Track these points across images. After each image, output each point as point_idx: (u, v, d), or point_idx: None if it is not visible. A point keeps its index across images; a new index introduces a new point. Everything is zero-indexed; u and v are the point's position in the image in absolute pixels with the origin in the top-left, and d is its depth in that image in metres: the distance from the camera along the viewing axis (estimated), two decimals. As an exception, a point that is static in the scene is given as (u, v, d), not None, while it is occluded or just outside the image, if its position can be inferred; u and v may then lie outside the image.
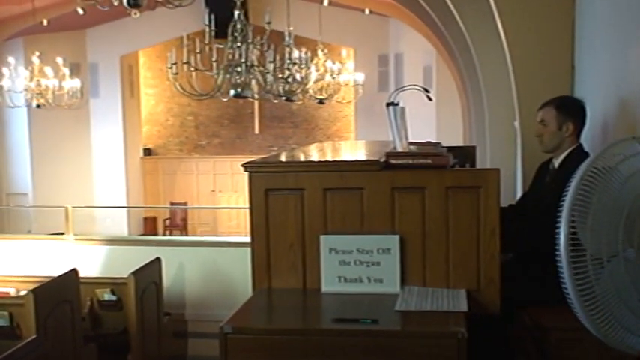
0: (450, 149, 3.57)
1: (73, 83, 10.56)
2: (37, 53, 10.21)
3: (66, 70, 10.45)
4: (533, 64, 4.42)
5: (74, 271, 4.60)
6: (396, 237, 2.90)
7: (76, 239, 6.31)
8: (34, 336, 3.41)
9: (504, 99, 5.23)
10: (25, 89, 10.08)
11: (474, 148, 4.63)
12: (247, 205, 3.07)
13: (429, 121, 11.90)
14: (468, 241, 2.87)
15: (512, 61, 4.47)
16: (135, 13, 4.78)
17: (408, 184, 2.92)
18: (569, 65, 4.39)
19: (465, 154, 4.02)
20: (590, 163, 2.18)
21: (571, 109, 3.42)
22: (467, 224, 2.86)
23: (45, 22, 12.46)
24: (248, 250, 3.09)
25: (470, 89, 8.61)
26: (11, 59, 10.29)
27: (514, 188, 5.07)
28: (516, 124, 4.77)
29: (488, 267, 2.87)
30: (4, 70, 9.99)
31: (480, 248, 2.87)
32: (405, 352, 2.46)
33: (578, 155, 3.26)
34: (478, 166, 4.59)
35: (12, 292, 5.30)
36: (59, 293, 4.41)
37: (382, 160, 3.00)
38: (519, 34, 4.40)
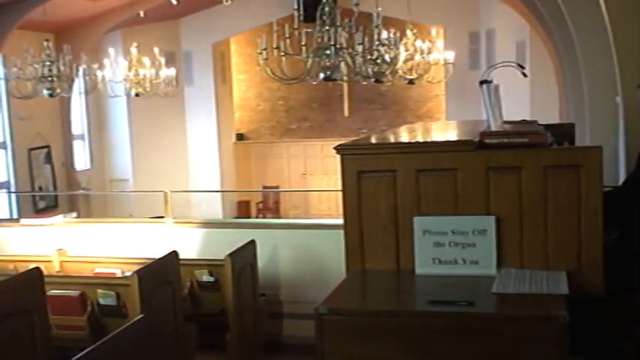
0: (547, 127, 3.45)
1: (168, 72, 10.90)
2: (135, 44, 10.57)
3: (162, 60, 10.79)
4: (637, 36, 4.20)
5: (174, 253, 4.77)
6: (492, 218, 2.84)
7: (175, 222, 6.52)
8: (141, 315, 3.56)
9: (605, 73, 5.00)
10: (124, 79, 10.48)
11: (572, 125, 4.46)
12: (339, 187, 3.08)
13: (523, 98, 11.55)
14: (568, 221, 2.78)
15: (614, 32, 4.26)
16: (226, 1, 4.87)
17: (503, 164, 2.85)
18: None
19: (562, 132, 3.87)
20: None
21: None
22: (567, 204, 2.77)
23: (141, 14, 12.89)
24: (340, 232, 3.11)
25: (566, 64, 8.28)
26: (111, 51, 10.73)
27: (616, 167, 4.85)
28: (618, 99, 4.56)
29: (591, 248, 2.77)
30: (105, 61, 10.41)
31: (581, 229, 2.77)
32: (503, 336, 2.42)
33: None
34: (577, 144, 4.42)
35: (118, 273, 5.56)
36: (161, 274, 4.59)
37: (476, 139, 2.94)
38: (622, 3, 4.19)
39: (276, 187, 16.97)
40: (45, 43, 8.83)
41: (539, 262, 2.83)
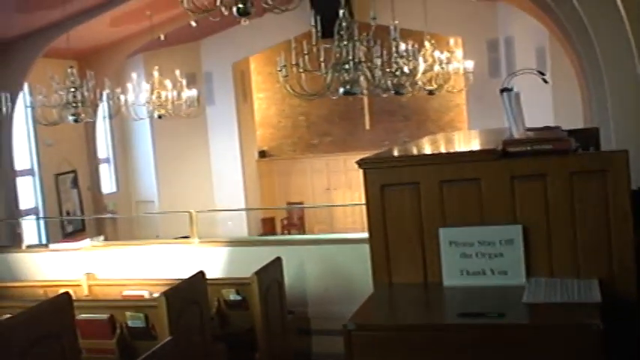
0: (571, 132, 3.41)
1: (190, 93, 11.00)
2: (156, 67, 10.70)
3: (183, 81, 10.90)
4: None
5: (201, 273, 4.79)
6: (519, 227, 2.81)
7: (201, 242, 6.55)
8: (169, 337, 3.57)
9: (627, 75, 4.94)
10: (147, 102, 10.60)
11: (596, 129, 4.40)
12: (363, 201, 3.07)
13: (545, 105, 11.44)
14: (597, 227, 2.73)
15: (635, 35, 4.21)
16: (244, 21, 4.90)
17: (528, 172, 2.82)
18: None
19: (587, 137, 3.82)
20: None
21: None
22: (595, 210, 2.73)
23: (162, 37, 13.05)
24: (366, 246, 3.10)
25: (588, 68, 8.20)
26: (133, 75, 10.87)
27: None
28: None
29: (622, 254, 2.71)
30: (128, 85, 10.55)
31: (611, 235, 2.72)
32: (536, 346, 2.38)
33: None
34: (603, 148, 4.36)
35: (145, 294, 5.59)
36: (188, 295, 4.61)
37: (499, 148, 2.92)
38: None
39: (300, 203, 16.98)
40: (69, 70, 8.96)
41: (570, 270, 2.78)
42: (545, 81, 3.53)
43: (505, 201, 2.84)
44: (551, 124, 4.48)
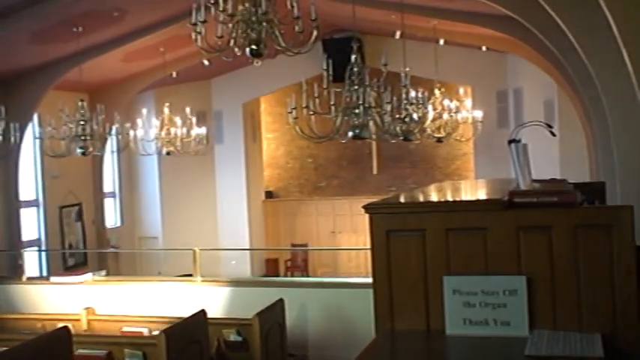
0: (577, 186, 3.43)
1: (199, 131, 11.09)
2: (167, 104, 10.81)
3: (193, 119, 10.99)
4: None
5: (202, 312, 4.76)
6: (523, 278, 2.80)
7: (203, 281, 6.53)
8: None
9: (634, 130, 4.97)
10: (156, 138, 10.68)
11: (602, 184, 4.41)
12: (368, 245, 3.07)
13: (552, 157, 11.49)
14: (601, 282, 2.72)
15: (642, 92, 4.25)
16: (257, 62, 4.97)
17: (533, 223, 2.83)
18: None
19: (593, 191, 3.83)
20: None
21: None
22: (599, 264, 2.72)
23: (174, 75, 13.22)
24: (369, 291, 3.08)
25: (595, 122, 8.25)
26: (144, 110, 10.98)
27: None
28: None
29: (625, 309, 2.70)
30: (138, 120, 10.64)
31: (614, 290, 2.71)
32: (537, 399, 2.35)
33: None
34: (608, 203, 4.37)
35: (145, 331, 5.55)
36: (189, 334, 4.58)
37: (505, 198, 2.93)
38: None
39: (305, 245, 16.94)
40: (79, 103, 9.06)
41: (573, 323, 2.76)
42: (553, 134, 3.56)
43: (510, 251, 2.83)
44: (558, 177, 4.50)
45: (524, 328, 2.79)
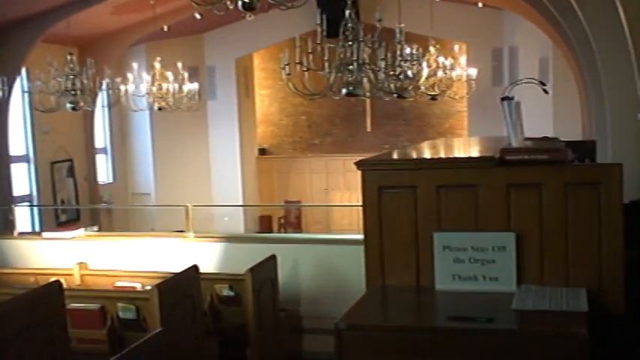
0: (569, 144, 3.43)
1: (191, 86, 10.98)
2: (159, 58, 10.66)
3: (185, 74, 10.88)
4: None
5: (195, 267, 4.79)
6: (512, 234, 2.83)
7: (196, 237, 6.55)
8: (160, 329, 3.58)
9: (627, 90, 4.96)
10: (148, 93, 10.56)
11: (593, 142, 4.43)
12: (360, 202, 3.08)
13: (546, 115, 11.47)
14: (588, 239, 2.76)
15: (636, 49, 4.23)
16: (249, 16, 4.90)
17: (524, 181, 2.84)
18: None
19: (584, 150, 3.85)
20: None
21: None
22: (587, 222, 2.75)
23: (165, 28, 13.03)
24: (361, 247, 3.11)
25: (589, 81, 8.22)
26: (135, 65, 10.83)
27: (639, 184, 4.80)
28: (641, 116, 4.52)
29: (611, 266, 2.74)
30: (129, 75, 10.52)
31: (601, 246, 2.74)
32: (523, 352, 2.40)
33: None
34: (599, 161, 4.38)
35: (138, 286, 5.59)
36: (181, 288, 4.61)
37: (497, 156, 2.94)
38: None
39: (298, 202, 16.99)
40: (68, 57, 8.90)
41: (560, 279, 2.81)
42: (546, 91, 3.55)
43: (500, 208, 2.86)
44: (550, 135, 4.50)
45: (512, 283, 2.83)
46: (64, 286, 4.07)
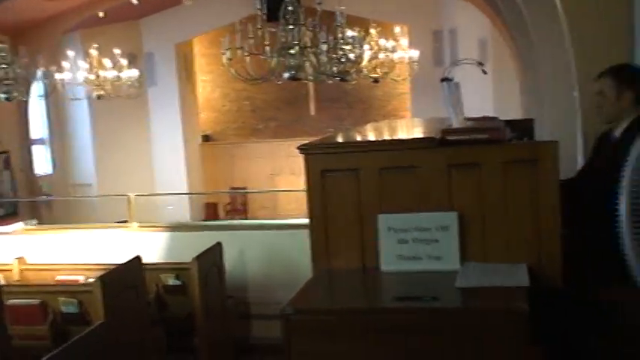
0: (508, 123, 3.50)
1: (130, 73, 10.76)
2: (95, 45, 10.41)
3: (123, 61, 10.65)
4: (592, 30, 4.27)
5: (138, 258, 4.72)
6: (454, 214, 2.87)
7: (140, 227, 6.45)
8: (101, 321, 3.51)
9: (562, 68, 5.07)
10: (85, 81, 10.31)
11: (531, 121, 4.52)
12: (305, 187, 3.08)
13: (486, 95, 11.66)
14: (527, 216, 2.81)
15: (570, 28, 4.32)
16: (187, 1, 4.81)
17: (464, 160, 2.88)
18: (629, 31, 4.22)
19: (522, 128, 3.92)
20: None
21: (629, 77, 3.31)
22: (525, 199, 2.81)
23: (101, 14, 12.70)
24: (307, 232, 3.11)
25: (526, 60, 8.38)
26: (70, 53, 10.54)
27: (576, 161, 4.92)
28: (575, 93, 4.63)
29: (549, 242, 2.81)
30: (64, 63, 10.23)
31: (540, 223, 2.81)
32: (467, 329, 2.44)
33: (640, 124, 3.15)
34: (537, 139, 4.47)
35: (80, 279, 5.48)
36: (125, 280, 4.54)
37: (438, 136, 2.96)
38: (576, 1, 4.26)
39: (244, 188, 16.89)
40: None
41: (501, 256, 2.86)
42: (484, 71, 3.59)
43: (442, 188, 2.89)
44: (490, 115, 4.57)
45: (455, 262, 2.87)
46: (3, 282, 3.95)
